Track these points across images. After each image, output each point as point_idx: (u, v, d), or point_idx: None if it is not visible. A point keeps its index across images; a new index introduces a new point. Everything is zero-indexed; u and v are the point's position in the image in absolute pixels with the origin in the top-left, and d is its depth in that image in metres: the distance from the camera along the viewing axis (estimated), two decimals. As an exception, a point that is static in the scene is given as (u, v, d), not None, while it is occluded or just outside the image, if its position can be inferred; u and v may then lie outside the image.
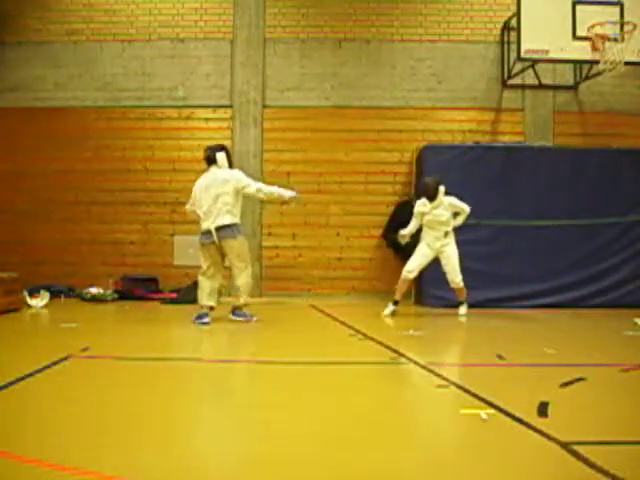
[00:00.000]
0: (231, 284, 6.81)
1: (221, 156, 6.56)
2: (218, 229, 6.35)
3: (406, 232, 7.39)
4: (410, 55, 10.01)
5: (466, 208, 7.28)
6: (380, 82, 9.97)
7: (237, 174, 6.52)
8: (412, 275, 7.31)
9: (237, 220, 6.46)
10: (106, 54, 9.97)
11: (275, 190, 6.64)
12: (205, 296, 6.45)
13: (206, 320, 6.34)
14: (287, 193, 6.65)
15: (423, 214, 7.29)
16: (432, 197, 7.21)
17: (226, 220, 6.35)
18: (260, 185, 6.61)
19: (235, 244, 6.42)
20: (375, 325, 6.52)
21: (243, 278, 6.49)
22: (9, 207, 9.76)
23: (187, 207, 6.75)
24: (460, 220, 7.35)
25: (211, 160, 6.57)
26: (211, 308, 6.47)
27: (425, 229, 7.36)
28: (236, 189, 6.41)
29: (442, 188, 7.22)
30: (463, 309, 7.38)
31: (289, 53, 9.99)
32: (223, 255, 6.52)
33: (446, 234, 7.25)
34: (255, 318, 6.56)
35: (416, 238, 7.52)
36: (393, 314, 7.26)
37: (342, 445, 2.46)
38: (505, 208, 8.55)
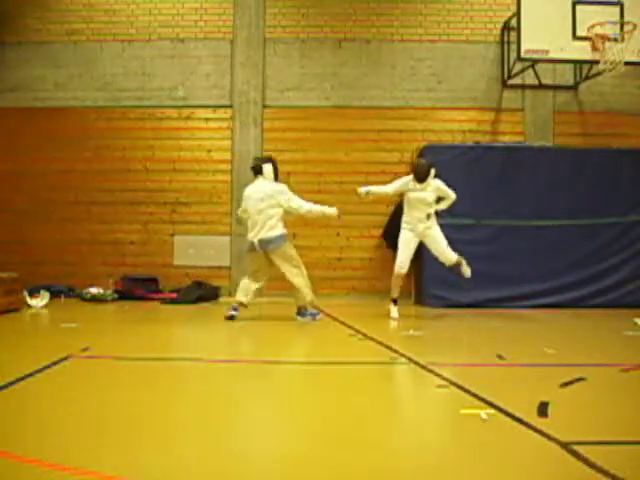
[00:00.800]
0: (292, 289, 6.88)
1: (268, 168, 6.73)
2: (262, 242, 6.55)
3: (370, 187, 7.25)
4: (410, 55, 10.01)
5: (452, 195, 7.13)
6: (380, 82, 9.98)
7: (281, 188, 6.70)
8: (404, 270, 7.16)
9: (281, 231, 6.64)
10: (106, 54, 9.97)
11: (318, 209, 6.81)
12: (240, 292, 6.72)
13: (231, 313, 6.56)
14: (329, 210, 6.83)
15: (405, 190, 7.13)
16: (422, 179, 7.04)
17: (270, 234, 6.54)
18: (303, 203, 6.75)
19: (281, 252, 6.61)
20: (375, 325, 6.51)
21: (298, 279, 6.66)
22: (9, 207, 9.77)
23: (240, 211, 7.02)
24: (444, 205, 7.19)
25: (257, 171, 6.77)
26: (241, 304, 6.66)
27: (407, 210, 7.16)
28: (280, 204, 6.60)
29: (432, 172, 7.06)
30: (468, 271, 7.19)
31: (289, 53, 9.99)
32: (270, 261, 6.71)
33: (428, 216, 7.06)
34: (320, 315, 6.87)
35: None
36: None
37: (342, 445, 2.46)
38: (505, 208, 8.55)
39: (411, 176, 7.15)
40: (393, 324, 6.81)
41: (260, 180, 6.76)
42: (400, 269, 7.18)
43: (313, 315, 6.81)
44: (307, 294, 6.71)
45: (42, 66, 9.93)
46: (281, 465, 2.24)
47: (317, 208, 6.82)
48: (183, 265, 9.74)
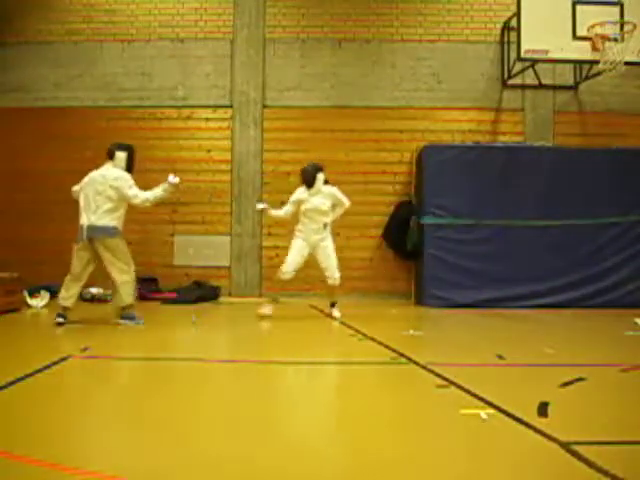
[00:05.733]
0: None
1: (120, 155, 6.31)
2: (90, 228, 6.13)
3: (269, 207, 7.17)
4: (410, 55, 10.01)
5: (346, 202, 7.09)
6: (380, 82, 9.97)
7: (126, 177, 6.22)
8: (286, 277, 7.00)
9: (116, 223, 6.26)
10: (106, 54, 9.97)
11: (159, 190, 6.27)
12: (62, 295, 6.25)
13: (59, 320, 6.14)
14: (168, 185, 6.23)
15: (300, 201, 7.01)
16: (309, 184, 6.96)
17: (102, 221, 6.15)
18: (142, 193, 6.23)
19: (111, 243, 6.25)
20: (375, 325, 6.51)
21: (124, 276, 6.29)
22: (9, 207, 9.77)
23: (73, 188, 6.54)
24: (338, 213, 7.12)
25: (110, 155, 6.35)
26: (65, 308, 6.23)
27: (303, 220, 7.04)
28: (121, 192, 6.16)
29: (321, 176, 6.98)
30: (338, 312, 7.13)
31: (289, 53, 9.99)
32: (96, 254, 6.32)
33: (325, 226, 6.99)
34: (142, 321, 6.27)
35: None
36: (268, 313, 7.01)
37: (342, 445, 2.46)
38: (505, 208, 8.55)
39: (303, 186, 7.06)
40: (390, 323, 6.79)
41: (108, 165, 6.33)
42: (282, 275, 7.02)
43: (135, 319, 6.25)
44: (129, 295, 6.24)
45: (42, 66, 9.93)
46: (281, 465, 2.24)
47: (158, 190, 6.25)
48: (183, 265, 9.73)
